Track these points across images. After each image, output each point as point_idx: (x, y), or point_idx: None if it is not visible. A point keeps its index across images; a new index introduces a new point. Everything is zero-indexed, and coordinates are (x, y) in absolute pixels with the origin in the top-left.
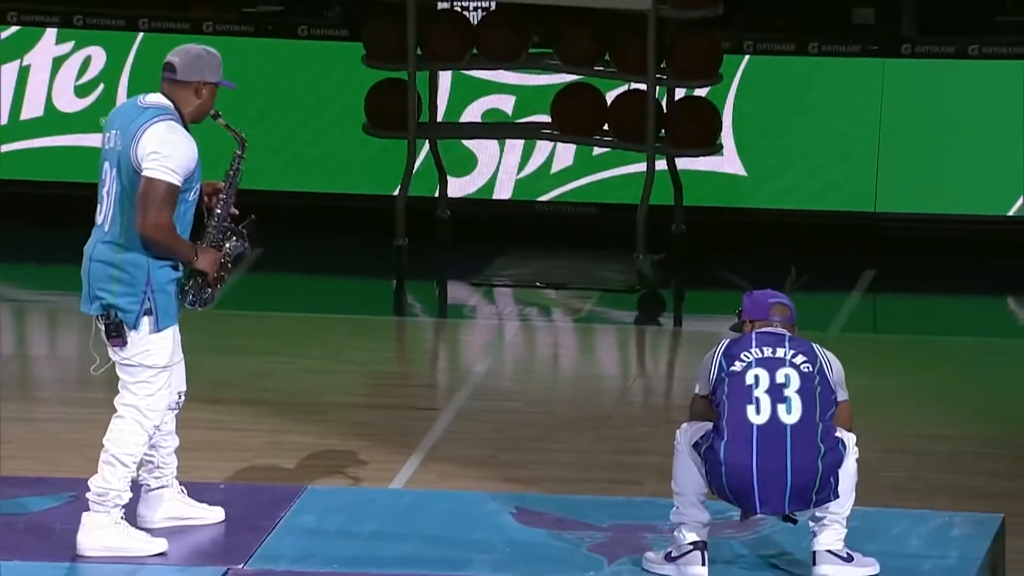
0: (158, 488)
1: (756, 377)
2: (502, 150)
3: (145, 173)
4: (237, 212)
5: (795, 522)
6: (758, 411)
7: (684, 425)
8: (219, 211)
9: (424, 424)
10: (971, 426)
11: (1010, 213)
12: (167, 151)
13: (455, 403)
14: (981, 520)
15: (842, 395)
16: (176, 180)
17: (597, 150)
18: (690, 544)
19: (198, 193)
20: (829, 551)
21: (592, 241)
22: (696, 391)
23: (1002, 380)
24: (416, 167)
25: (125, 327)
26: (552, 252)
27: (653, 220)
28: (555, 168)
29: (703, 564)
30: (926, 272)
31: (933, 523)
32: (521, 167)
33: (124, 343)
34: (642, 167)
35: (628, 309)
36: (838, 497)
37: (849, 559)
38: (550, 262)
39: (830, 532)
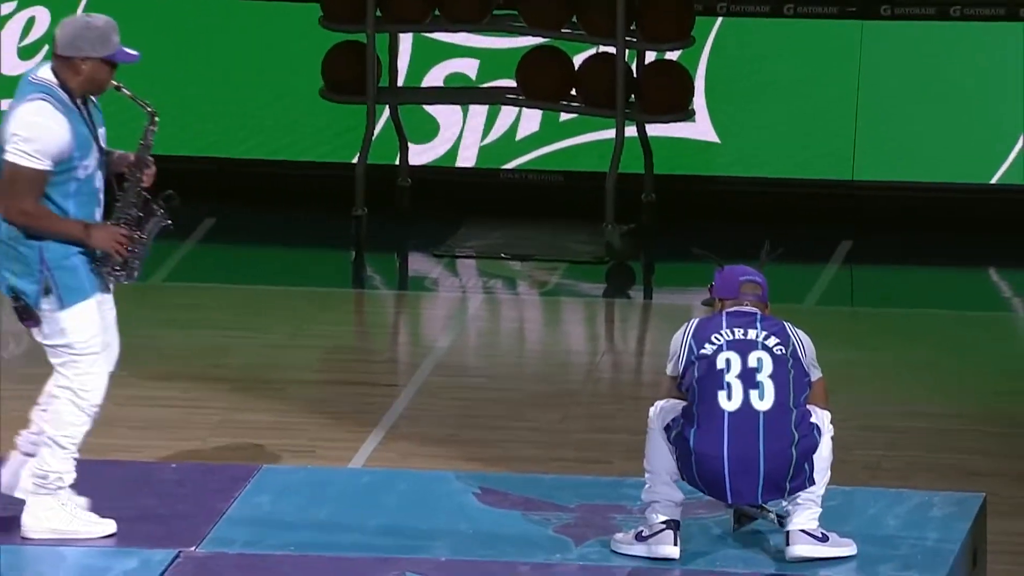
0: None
1: (727, 361)
2: (465, 116)
3: (6, 156)
4: (149, 184)
5: (780, 521)
6: (729, 397)
7: (658, 403)
8: (128, 184)
9: (384, 401)
10: (951, 402)
11: (992, 181)
12: (29, 134)
13: (416, 379)
14: (961, 500)
15: (816, 374)
16: (39, 164)
17: (564, 116)
18: (662, 523)
19: (93, 168)
20: (803, 531)
21: (559, 210)
22: (667, 372)
23: (983, 354)
24: (376, 134)
25: (30, 308)
26: (517, 222)
27: (622, 189)
28: (520, 135)
29: (675, 544)
30: (905, 243)
31: (911, 503)
32: (485, 134)
33: (37, 323)
34: (611, 134)
35: (596, 281)
36: (813, 484)
37: (824, 539)
38: (515, 232)
39: (804, 512)
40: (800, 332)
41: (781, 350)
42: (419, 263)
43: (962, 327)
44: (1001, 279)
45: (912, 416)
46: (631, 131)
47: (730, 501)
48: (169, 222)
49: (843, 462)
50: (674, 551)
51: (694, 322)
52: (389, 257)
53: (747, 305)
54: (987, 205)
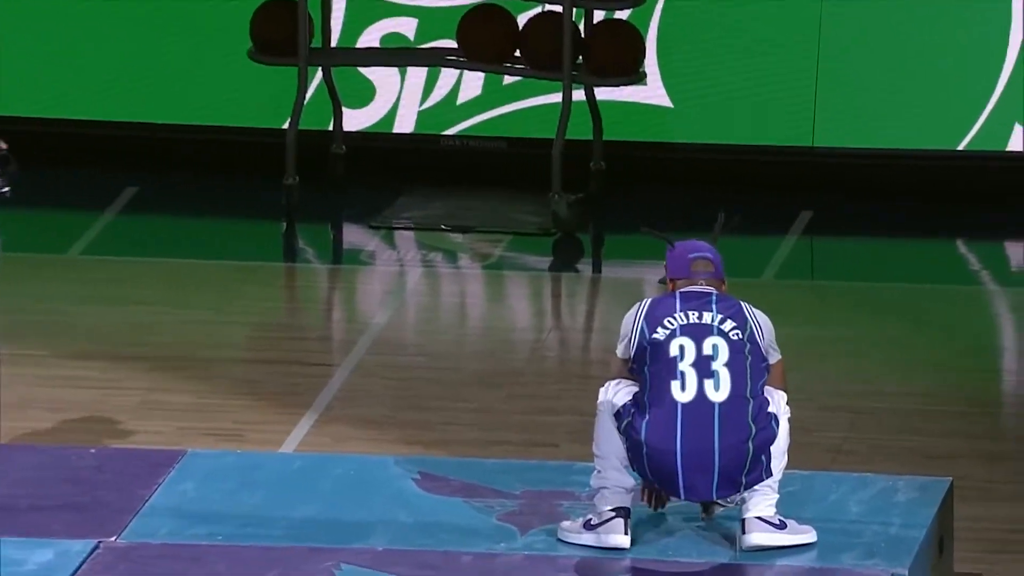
0: None
1: (681, 348)
2: (403, 79)
3: None
4: None
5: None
6: (683, 387)
7: (608, 384)
8: None
9: (317, 381)
10: (917, 381)
11: (960, 148)
12: None
13: (352, 358)
14: (927, 484)
15: (774, 356)
16: None
17: (508, 79)
18: (611, 511)
19: None
20: (760, 518)
21: (502, 179)
22: (616, 352)
23: (950, 330)
24: (307, 98)
25: None
26: (458, 191)
27: (569, 156)
28: (461, 99)
29: (625, 533)
30: (868, 212)
31: (875, 488)
32: (424, 98)
33: None
34: (557, 98)
35: (542, 254)
36: (771, 475)
37: (782, 526)
38: (456, 202)
39: (760, 497)
40: (758, 313)
41: (738, 335)
42: (354, 235)
43: (928, 301)
44: (969, 251)
45: (875, 396)
46: (579, 95)
47: (683, 497)
48: (7, 190)
49: (803, 445)
50: (624, 540)
51: (647, 302)
52: (322, 228)
53: (702, 284)
54: (954, 173)
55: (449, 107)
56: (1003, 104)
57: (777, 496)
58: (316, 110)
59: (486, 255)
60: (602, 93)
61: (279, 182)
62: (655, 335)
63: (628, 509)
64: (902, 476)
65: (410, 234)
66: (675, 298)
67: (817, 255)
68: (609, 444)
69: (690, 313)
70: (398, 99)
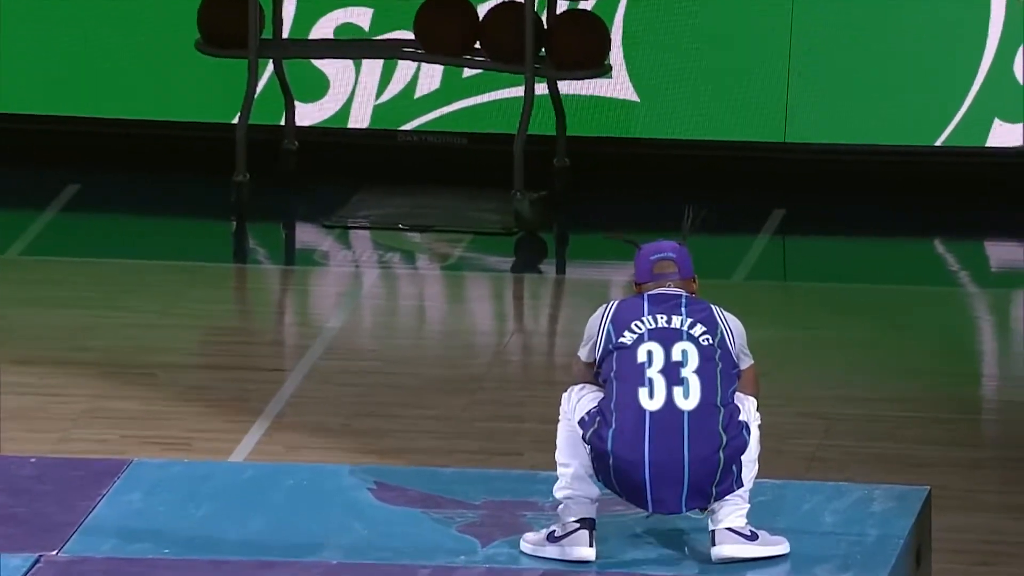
0: None
1: (649, 353)
2: (358, 72)
3: None
4: None
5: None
6: (651, 395)
7: (572, 388)
8: None
9: (269, 387)
10: (893, 387)
11: (937, 143)
12: None
13: (304, 363)
14: (904, 494)
15: (746, 362)
16: None
17: (468, 71)
18: (576, 522)
19: None
20: (730, 529)
21: (462, 176)
22: (579, 355)
23: (928, 334)
24: (258, 91)
25: None
26: (416, 189)
27: (532, 152)
28: (419, 92)
29: (590, 545)
30: (843, 211)
31: (850, 497)
32: (380, 91)
33: None
34: (519, 91)
35: (504, 254)
36: (742, 486)
37: (753, 537)
38: (414, 200)
39: (730, 507)
40: (729, 317)
41: (708, 340)
42: (307, 234)
43: (905, 303)
44: (947, 250)
45: (851, 401)
46: (541, 88)
47: (651, 511)
48: None
49: (775, 452)
50: (589, 552)
51: (613, 304)
52: (273, 228)
53: (669, 286)
54: (932, 169)
55: (406, 101)
56: (982, 98)
57: (748, 506)
58: (267, 104)
59: (445, 255)
60: (566, 87)
61: (228, 179)
62: (622, 339)
63: (593, 520)
64: (878, 485)
65: (366, 233)
66: (643, 301)
67: (790, 255)
68: (573, 453)
69: (658, 317)
70: (353, 93)
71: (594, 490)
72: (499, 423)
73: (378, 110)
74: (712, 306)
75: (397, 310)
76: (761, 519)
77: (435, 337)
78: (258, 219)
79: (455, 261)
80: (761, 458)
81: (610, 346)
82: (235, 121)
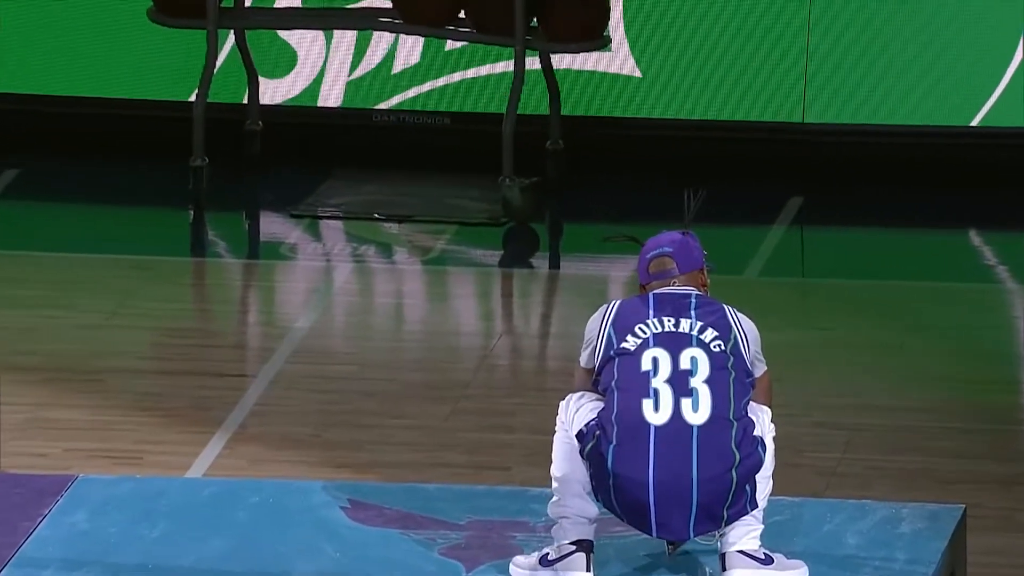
0: None
1: (655, 361)
2: (329, 44)
3: None
4: None
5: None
6: (656, 407)
7: (570, 396)
8: None
9: (231, 394)
10: (921, 394)
11: (973, 124)
12: None
13: (270, 367)
14: (936, 513)
15: (760, 368)
16: None
17: (451, 44)
18: (572, 544)
19: None
20: (742, 552)
21: (445, 161)
22: (580, 362)
23: (960, 336)
24: (218, 66)
25: None
26: (394, 175)
27: (523, 134)
28: (397, 67)
29: (587, 569)
30: (866, 200)
31: (875, 517)
32: (354, 66)
33: None
34: (509, 66)
35: (492, 247)
36: (755, 507)
37: (768, 561)
38: (391, 188)
39: (743, 528)
40: (743, 319)
41: (720, 346)
42: (273, 225)
43: (936, 302)
44: (984, 243)
45: (875, 411)
46: (533, 63)
47: (655, 535)
48: None
49: (792, 467)
50: None
51: (615, 305)
52: (235, 217)
53: (675, 283)
54: (966, 153)
55: (383, 77)
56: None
57: (762, 527)
58: (228, 81)
59: (427, 248)
60: (560, 61)
61: (185, 164)
62: (624, 344)
63: (591, 542)
64: (906, 503)
65: (338, 224)
66: (648, 301)
67: (808, 248)
68: (570, 468)
69: (665, 320)
70: (323, 68)
71: (592, 509)
72: (486, 434)
73: (351, 87)
74: (725, 307)
75: (373, 309)
76: (777, 541)
77: (415, 339)
78: (218, 208)
79: (437, 255)
80: (776, 473)
81: (611, 352)
82: (192, 99)
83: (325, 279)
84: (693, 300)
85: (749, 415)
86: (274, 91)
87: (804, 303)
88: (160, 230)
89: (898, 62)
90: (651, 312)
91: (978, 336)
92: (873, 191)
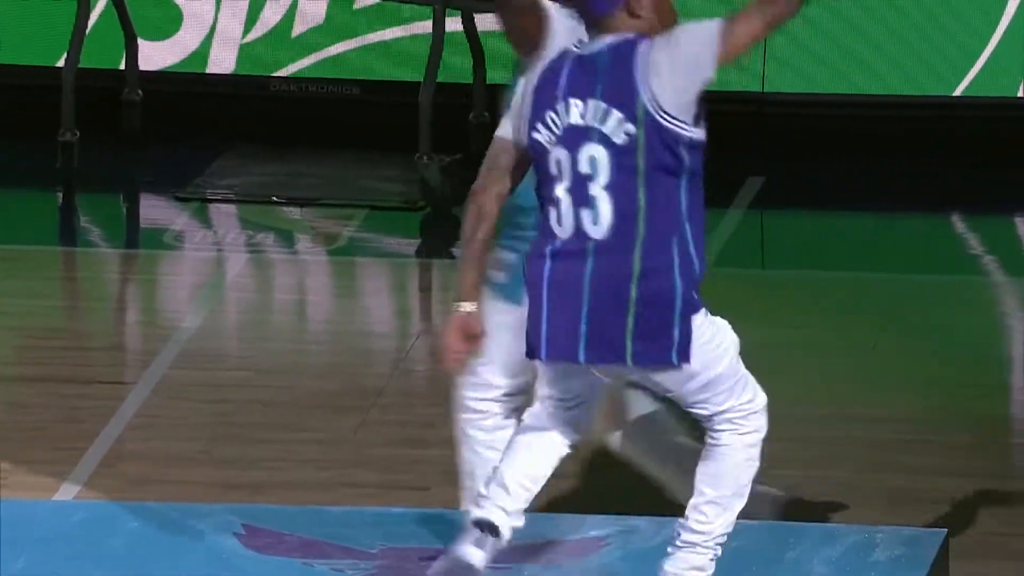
0: None
1: (558, 164)
2: (218, 3)
3: None
4: None
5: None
6: (559, 220)
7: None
8: None
9: (106, 404)
10: (900, 403)
11: (956, 93)
12: None
13: (152, 373)
14: (914, 537)
15: (714, 28)
16: None
17: (360, 2)
18: (474, 523)
19: None
20: None
21: (354, 136)
22: (498, 131)
23: (944, 336)
24: (90, 26)
25: None
26: (295, 152)
27: (443, 105)
28: (298, 30)
29: (480, 546)
30: (834, 178)
31: (846, 542)
32: (248, 28)
33: None
34: (427, 27)
35: (408, 235)
36: (687, 362)
37: None
38: (292, 167)
39: (687, 554)
40: (659, 51)
41: (626, 132)
42: (155, 209)
43: (915, 297)
44: (968, 228)
45: (846, 421)
46: (454, 23)
47: (544, 355)
48: None
49: (753, 484)
50: (476, 555)
51: (538, 72)
52: (112, 200)
53: (595, 32)
54: (947, 125)
55: (281, 40)
56: (1012, 36)
57: (714, 552)
58: (102, 43)
59: (333, 236)
60: (484, 21)
61: (53, 138)
62: (536, 133)
63: (495, 526)
64: (881, 527)
65: (231, 208)
66: (563, 68)
67: (769, 234)
68: (479, 463)
69: (572, 104)
70: (213, 29)
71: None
72: (400, 449)
73: (245, 51)
74: (634, 52)
75: (271, 306)
76: (733, 569)
77: (319, 340)
78: (92, 189)
79: (345, 243)
80: (738, 488)
81: (531, 141)
82: (61, 64)
83: (216, 272)
84: (603, 56)
85: (674, 222)
86: (156, 56)
87: (766, 298)
88: (23, 216)
89: (867, 27)
90: (563, 88)
91: (966, 336)
92: (844, 170)
